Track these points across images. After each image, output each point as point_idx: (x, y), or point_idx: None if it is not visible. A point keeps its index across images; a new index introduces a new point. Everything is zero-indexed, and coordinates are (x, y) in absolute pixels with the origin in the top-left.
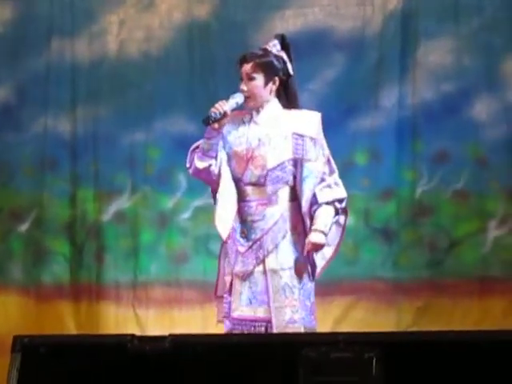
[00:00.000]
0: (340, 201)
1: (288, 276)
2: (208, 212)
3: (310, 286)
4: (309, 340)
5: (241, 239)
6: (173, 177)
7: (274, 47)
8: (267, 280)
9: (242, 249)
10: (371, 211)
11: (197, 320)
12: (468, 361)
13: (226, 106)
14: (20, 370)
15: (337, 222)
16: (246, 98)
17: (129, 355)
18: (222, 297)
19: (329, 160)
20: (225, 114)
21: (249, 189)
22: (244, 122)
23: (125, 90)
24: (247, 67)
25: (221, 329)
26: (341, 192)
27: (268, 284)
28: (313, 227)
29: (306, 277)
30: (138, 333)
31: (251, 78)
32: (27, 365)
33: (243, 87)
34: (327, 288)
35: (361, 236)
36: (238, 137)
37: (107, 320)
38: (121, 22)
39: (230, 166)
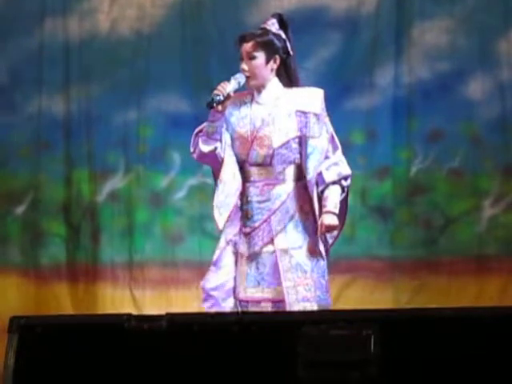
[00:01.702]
0: (345, 178)
1: (299, 255)
2: (203, 191)
3: (323, 264)
4: (307, 318)
5: (245, 220)
6: (166, 155)
7: (273, 26)
8: (277, 260)
9: (246, 230)
10: (367, 190)
11: (193, 300)
12: (465, 337)
13: (229, 87)
14: (17, 350)
15: (341, 200)
16: (247, 78)
17: (126, 334)
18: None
19: (332, 137)
20: (228, 96)
21: (254, 169)
22: (246, 103)
23: (117, 68)
24: (247, 46)
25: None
26: (346, 169)
27: (278, 264)
28: (324, 209)
29: (318, 255)
30: (134, 313)
31: (252, 57)
32: (24, 345)
33: (244, 67)
34: None
35: (357, 214)
36: (241, 118)
37: (104, 301)
38: (112, 0)
39: (233, 147)
